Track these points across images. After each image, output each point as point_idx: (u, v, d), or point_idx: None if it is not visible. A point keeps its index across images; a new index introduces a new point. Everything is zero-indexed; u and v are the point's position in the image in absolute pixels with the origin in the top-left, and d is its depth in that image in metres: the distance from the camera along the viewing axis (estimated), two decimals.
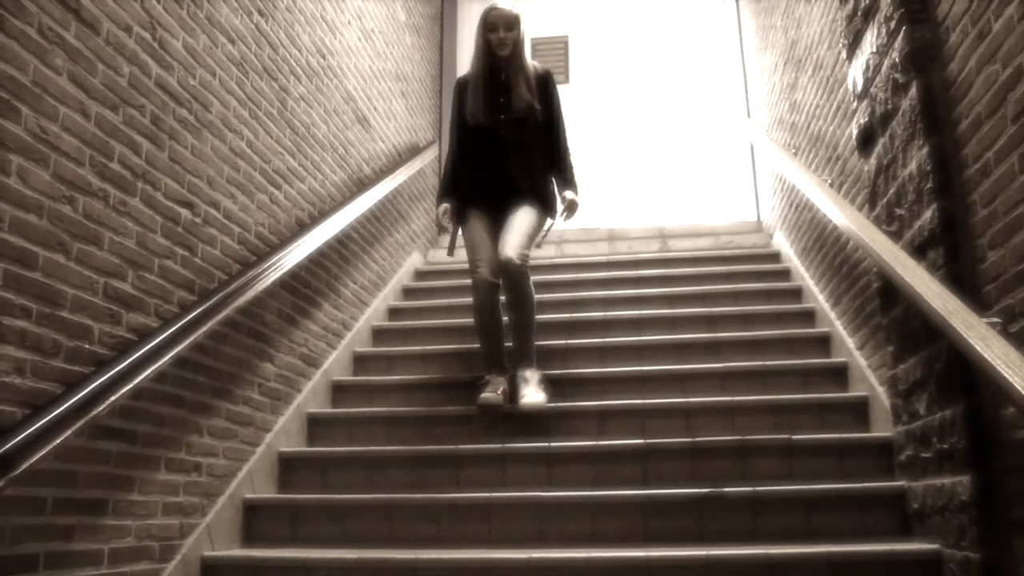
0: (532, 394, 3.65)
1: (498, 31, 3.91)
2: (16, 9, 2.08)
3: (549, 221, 4.05)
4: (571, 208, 3.97)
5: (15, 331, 2.05)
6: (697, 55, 7.80)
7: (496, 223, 3.91)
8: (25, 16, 2.11)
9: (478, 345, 3.94)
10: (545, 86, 4.04)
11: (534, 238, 3.89)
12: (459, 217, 4.01)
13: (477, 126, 3.96)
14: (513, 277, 3.71)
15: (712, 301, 4.93)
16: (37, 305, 2.13)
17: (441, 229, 4.09)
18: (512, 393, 3.76)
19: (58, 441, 2.03)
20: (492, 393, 3.66)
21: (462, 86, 4.11)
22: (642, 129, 7.73)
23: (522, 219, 3.83)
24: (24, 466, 1.92)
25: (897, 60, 2.75)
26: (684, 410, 3.67)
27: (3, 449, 1.88)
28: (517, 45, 3.95)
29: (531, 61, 4.07)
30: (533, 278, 3.88)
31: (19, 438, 1.93)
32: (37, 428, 1.98)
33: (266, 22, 3.56)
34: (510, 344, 3.87)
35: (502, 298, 3.82)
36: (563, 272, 5.66)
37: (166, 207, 2.74)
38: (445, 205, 4.02)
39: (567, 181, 4.05)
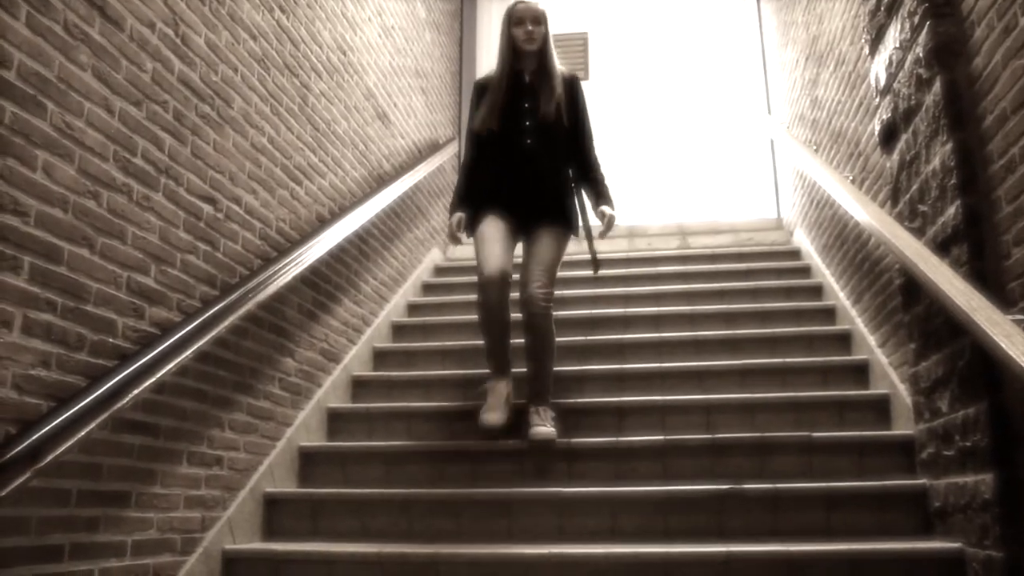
0: (542, 426, 3.37)
1: (525, 24, 3.57)
2: (42, 6, 2.10)
3: (573, 240, 3.72)
4: (610, 225, 3.60)
5: (41, 324, 2.07)
6: (717, 51, 7.76)
7: (513, 231, 3.60)
8: (51, 13, 2.13)
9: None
10: (572, 91, 3.69)
11: (557, 269, 3.57)
12: (474, 224, 3.63)
13: (498, 132, 3.59)
14: (535, 317, 3.40)
15: (732, 298, 4.93)
16: (62, 299, 2.15)
17: (454, 241, 3.69)
18: (523, 426, 3.46)
19: (82, 434, 2.06)
20: (494, 413, 3.42)
21: (482, 89, 3.72)
22: (662, 125, 7.70)
23: (546, 248, 3.51)
24: (49, 458, 1.95)
25: (921, 55, 2.73)
26: (704, 407, 3.66)
27: (29, 441, 1.90)
28: (545, 43, 3.61)
29: (559, 65, 3.71)
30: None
31: (45, 430, 1.95)
32: (62, 420, 2.01)
33: (287, 18, 3.57)
34: (524, 370, 3.59)
35: (514, 295, 3.52)
36: (582, 268, 5.63)
37: (188, 202, 2.76)
38: (459, 215, 3.63)
39: (601, 195, 3.68)
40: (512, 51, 3.62)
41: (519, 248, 3.70)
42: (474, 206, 3.63)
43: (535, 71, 3.63)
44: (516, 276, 3.55)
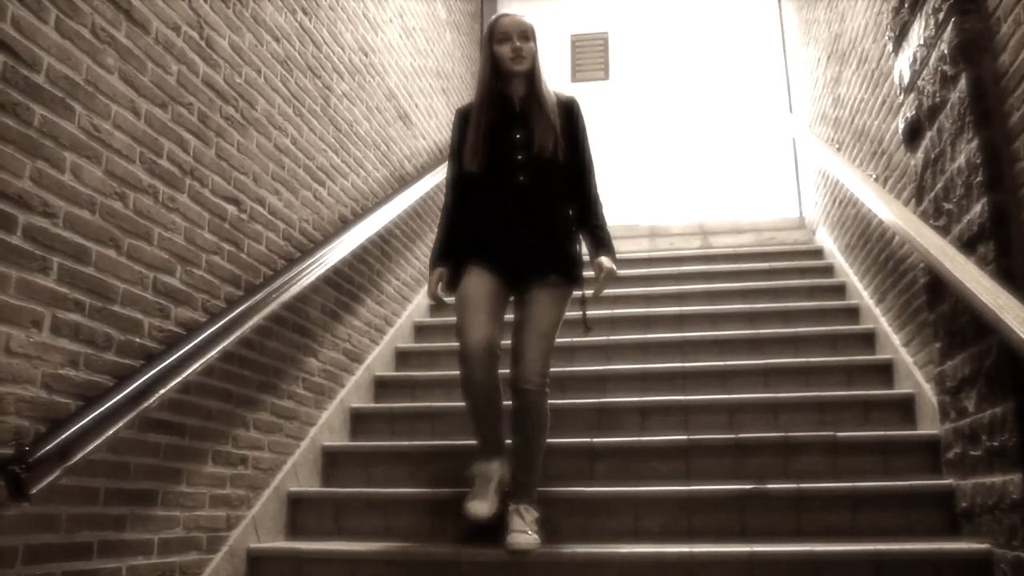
0: (523, 534, 2.75)
1: (512, 40, 2.97)
2: (70, 10, 2.12)
3: (579, 294, 3.08)
4: (608, 278, 2.98)
5: (69, 324, 2.09)
6: (738, 50, 7.74)
7: (504, 287, 2.99)
8: (79, 17, 2.16)
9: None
10: (571, 118, 3.08)
11: (556, 336, 2.96)
12: (456, 282, 3.01)
13: (486, 170, 3.00)
14: (529, 397, 2.84)
15: (754, 298, 4.91)
16: (90, 299, 2.17)
17: (435, 301, 3.11)
18: (501, 528, 2.84)
19: (110, 432, 2.09)
20: (482, 501, 2.81)
21: (465, 118, 3.12)
22: (683, 125, 7.70)
23: (544, 313, 2.91)
24: (78, 456, 1.98)
25: (946, 52, 2.71)
26: (727, 406, 3.65)
27: (59, 439, 1.93)
28: (536, 62, 3.02)
29: (553, 88, 3.12)
30: None
31: (74, 429, 1.98)
32: (91, 419, 2.03)
33: (309, 20, 3.59)
34: (511, 460, 2.95)
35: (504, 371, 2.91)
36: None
37: (213, 203, 2.78)
38: (440, 270, 3.06)
39: (601, 242, 3.05)
40: (496, 73, 3.03)
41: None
42: (458, 259, 3.04)
43: (524, 96, 3.04)
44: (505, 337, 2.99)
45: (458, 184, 3.12)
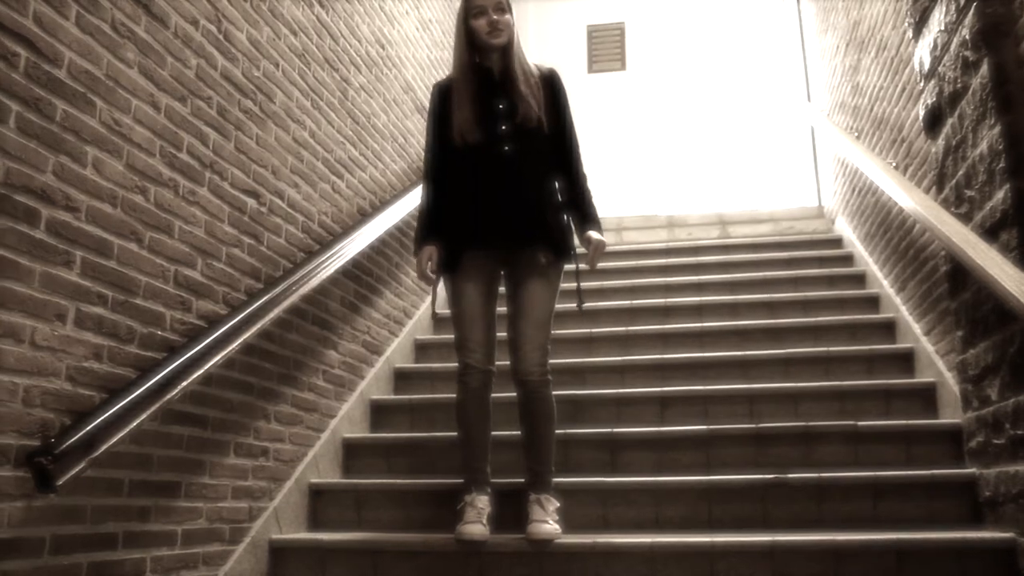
0: (544, 523, 2.77)
1: (487, 14, 2.90)
2: (91, 5, 2.14)
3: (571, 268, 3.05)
4: (598, 251, 2.94)
5: (93, 317, 2.11)
6: (756, 39, 7.70)
7: (494, 280, 3.02)
8: (99, 12, 2.17)
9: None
10: (553, 90, 3.03)
11: (552, 320, 2.96)
12: (448, 267, 2.96)
13: (469, 143, 2.92)
14: (532, 394, 2.89)
15: (773, 287, 4.89)
16: (112, 292, 2.19)
17: (427, 281, 2.99)
18: (523, 519, 2.87)
19: (134, 424, 2.11)
20: (476, 524, 2.76)
21: (443, 92, 3.05)
22: (700, 115, 7.67)
23: (538, 300, 2.91)
24: (103, 448, 2.00)
25: (967, 37, 2.68)
26: (747, 396, 3.64)
27: (84, 431, 1.95)
28: (513, 35, 2.96)
29: (530, 61, 3.05)
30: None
31: (98, 421, 2.00)
32: (115, 412, 2.06)
33: (326, 13, 3.60)
34: (526, 462, 2.95)
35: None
36: (622, 259, 5.64)
37: (233, 196, 2.80)
38: (429, 248, 2.96)
39: (587, 215, 3.03)
40: (472, 47, 2.97)
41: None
42: (445, 238, 2.97)
43: (503, 69, 2.97)
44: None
45: (438, 158, 3.04)
